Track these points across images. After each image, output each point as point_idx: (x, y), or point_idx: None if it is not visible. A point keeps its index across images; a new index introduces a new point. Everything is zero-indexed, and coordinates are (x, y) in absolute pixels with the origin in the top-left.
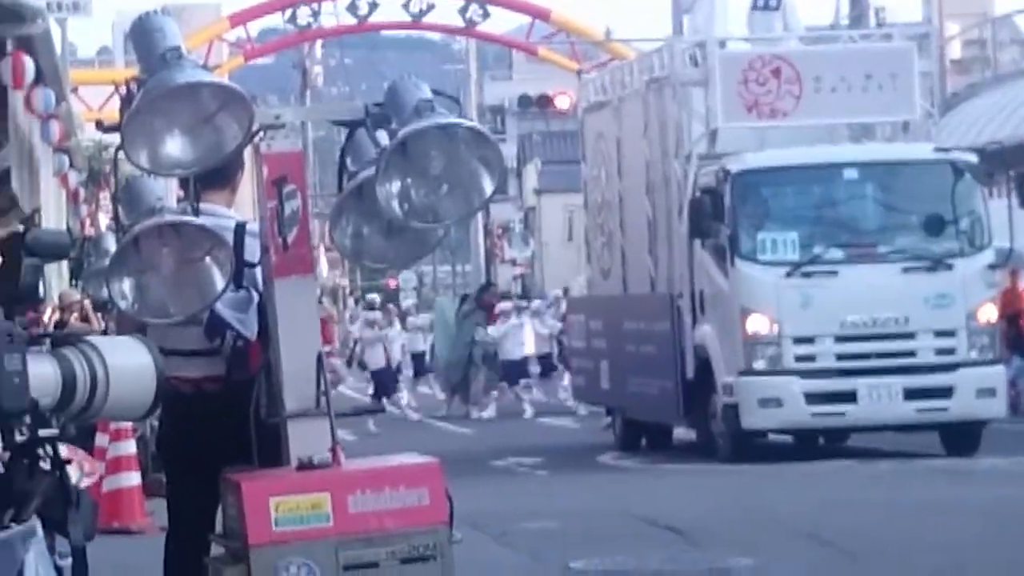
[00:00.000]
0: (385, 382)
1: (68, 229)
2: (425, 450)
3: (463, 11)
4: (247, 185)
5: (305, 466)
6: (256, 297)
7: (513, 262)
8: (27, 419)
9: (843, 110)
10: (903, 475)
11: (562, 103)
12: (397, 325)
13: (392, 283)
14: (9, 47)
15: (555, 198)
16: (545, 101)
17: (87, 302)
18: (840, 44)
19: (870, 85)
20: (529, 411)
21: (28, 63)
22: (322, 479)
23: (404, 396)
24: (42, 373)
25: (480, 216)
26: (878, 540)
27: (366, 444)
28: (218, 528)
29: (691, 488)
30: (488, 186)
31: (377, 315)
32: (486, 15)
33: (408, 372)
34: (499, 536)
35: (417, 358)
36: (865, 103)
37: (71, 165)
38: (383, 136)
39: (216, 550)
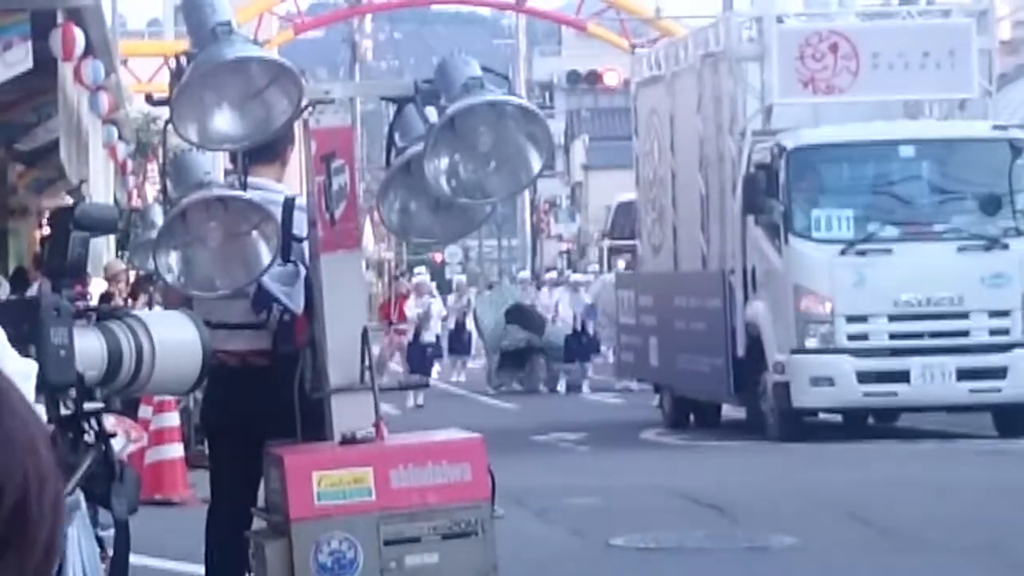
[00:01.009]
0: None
1: (115, 201)
2: (468, 425)
3: None
4: (296, 159)
5: (348, 441)
6: (303, 271)
7: (559, 237)
8: (73, 392)
9: (900, 87)
10: (952, 456)
11: (611, 79)
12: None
13: (438, 257)
14: (59, 18)
15: (602, 174)
16: (594, 77)
17: (132, 274)
18: (898, 20)
19: (928, 62)
20: (562, 389)
21: (78, 35)
22: (365, 454)
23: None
24: (88, 347)
25: (527, 191)
26: (920, 520)
27: (410, 419)
28: (260, 502)
29: (736, 466)
30: (536, 163)
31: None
32: None
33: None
34: (541, 512)
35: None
36: (922, 80)
37: (119, 137)
38: (432, 112)
39: (258, 523)
